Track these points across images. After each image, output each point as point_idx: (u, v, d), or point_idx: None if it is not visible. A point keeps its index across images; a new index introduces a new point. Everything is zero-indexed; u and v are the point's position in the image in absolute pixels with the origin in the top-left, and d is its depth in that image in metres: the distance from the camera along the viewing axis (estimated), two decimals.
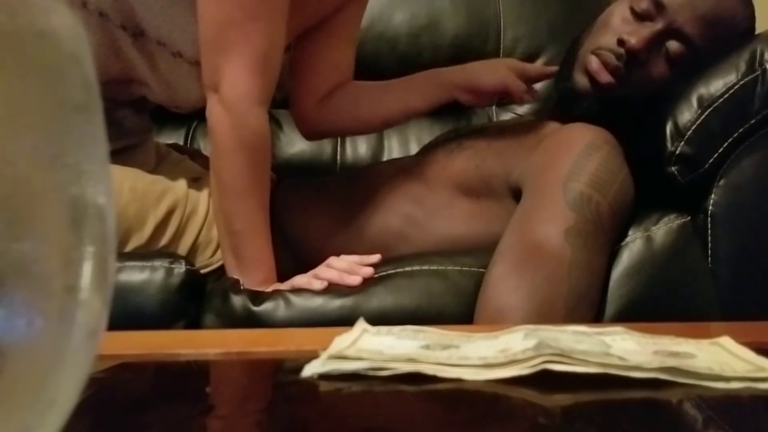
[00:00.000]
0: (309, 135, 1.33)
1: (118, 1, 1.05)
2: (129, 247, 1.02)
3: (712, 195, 0.99)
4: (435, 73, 1.21)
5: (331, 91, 1.24)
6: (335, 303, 0.93)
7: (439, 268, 0.96)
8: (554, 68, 1.17)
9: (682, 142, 0.99)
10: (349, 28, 1.24)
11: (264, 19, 0.96)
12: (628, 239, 0.98)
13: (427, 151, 1.26)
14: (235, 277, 1.00)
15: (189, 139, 1.57)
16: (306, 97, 1.26)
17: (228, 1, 0.96)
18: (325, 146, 1.57)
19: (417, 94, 1.20)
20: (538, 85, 1.58)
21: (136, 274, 0.95)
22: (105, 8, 1.05)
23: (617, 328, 0.53)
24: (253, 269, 0.99)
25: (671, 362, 0.44)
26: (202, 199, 1.10)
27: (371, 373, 0.45)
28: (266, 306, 0.93)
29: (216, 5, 0.96)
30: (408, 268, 0.97)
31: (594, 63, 1.05)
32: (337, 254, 1.01)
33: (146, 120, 1.26)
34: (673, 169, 0.99)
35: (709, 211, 0.99)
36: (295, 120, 1.31)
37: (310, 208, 1.13)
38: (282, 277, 1.01)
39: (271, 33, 0.97)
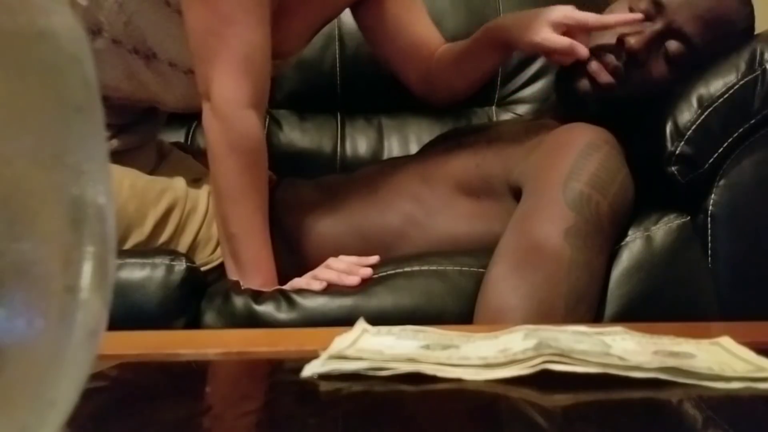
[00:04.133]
0: (439, 105, 1.33)
1: (129, 27, 1.08)
2: (129, 244, 1.03)
3: (712, 195, 0.99)
4: (494, 32, 1.15)
5: (432, 60, 1.25)
6: (335, 303, 0.93)
7: (439, 268, 0.96)
8: (627, 16, 1.04)
9: (682, 142, 0.99)
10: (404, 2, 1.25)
11: (240, 23, 0.97)
12: (628, 239, 0.98)
13: (427, 149, 1.26)
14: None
15: (189, 138, 1.57)
16: (413, 76, 1.27)
17: (203, 10, 0.97)
18: (325, 145, 1.57)
19: (493, 51, 1.17)
20: (538, 85, 1.58)
21: (136, 272, 0.95)
22: (118, 35, 1.08)
23: (617, 328, 0.53)
24: (252, 273, 1.00)
25: (671, 362, 0.44)
26: (202, 196, 1.10)
27: (371, 373, 0.45)
28: (267, 305, 0.93)
29: (194, 16, 0.99)
30: (408, 269, 0.97)
31: (593, 63, 1.05)
32: (337, 253, 1.01)
33: (159, 125, 1.29)
34: (673, 169, 0.99)
35: (709, 211, 0.99)
36: (420, 98, 1.31)
37: (309, 207, 1.13)
38: (281, 275, 1.01)
39: (249, 35, 0.98)
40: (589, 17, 1.04)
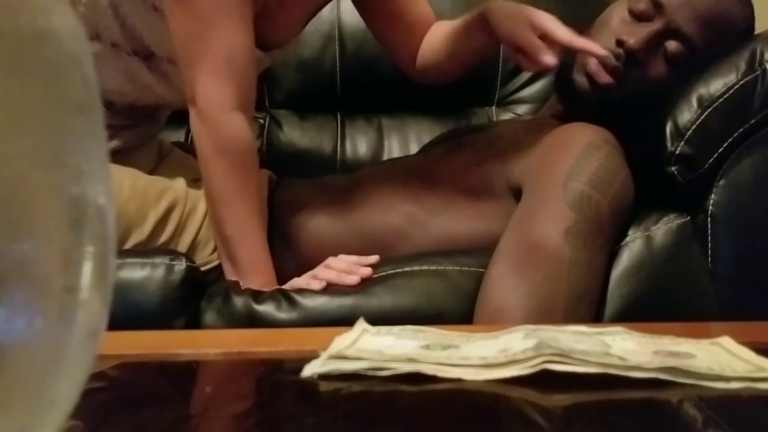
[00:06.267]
0: (434, 83, 1.30)
1: (126, 29, 1.09)
2: (129, 244, 1.03)
3: (712, 195, 0.99)
4: (483, 13, 1.11)
5: (424, 40, 1.25)
6: (335, 303, 0.93)
7: (439, 268, 0.96)
8: (594, 46, 1.02)
9: (682, 142, 0.99)
10: None
11: (222, 26, 0.98)
12: (628, 239, 0.98)
13: (427, 150, 1.26)
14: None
15: (189, 138, 1.57)
16: (406, 56, 1.27)
17: (186, 15, 0.98)
18: (325, 145, 1.57)
19: (480, 32, 1.14)
20: (538, 85, 1.58)
21: (136, 271, 0.95)
22: (116, 38, 1.09)
23: (617, 328, 0.53)
24: (250, 274, 1.00)
25: (671, 362, 0.44)
26: (202, 196, 1.10)
27: (371, 373, 0.45)
28: (267, 305, 0.93)
29: (177, 22, 0.99)
30: (408, 268, 0.97)
31: (593, 64, 1.05)
32: (337, 253, 1.01)
33: (159, 124, 1.29)
34: (673, 169, 0.99)
35: (709, 211, 0.99)
36: (414, 80, 1.30)
37: (309, 207, 1.13)
38: (281, 275, 1.01)
39: (231, 38, 0.99)
40: (561, 32, 1.00)
